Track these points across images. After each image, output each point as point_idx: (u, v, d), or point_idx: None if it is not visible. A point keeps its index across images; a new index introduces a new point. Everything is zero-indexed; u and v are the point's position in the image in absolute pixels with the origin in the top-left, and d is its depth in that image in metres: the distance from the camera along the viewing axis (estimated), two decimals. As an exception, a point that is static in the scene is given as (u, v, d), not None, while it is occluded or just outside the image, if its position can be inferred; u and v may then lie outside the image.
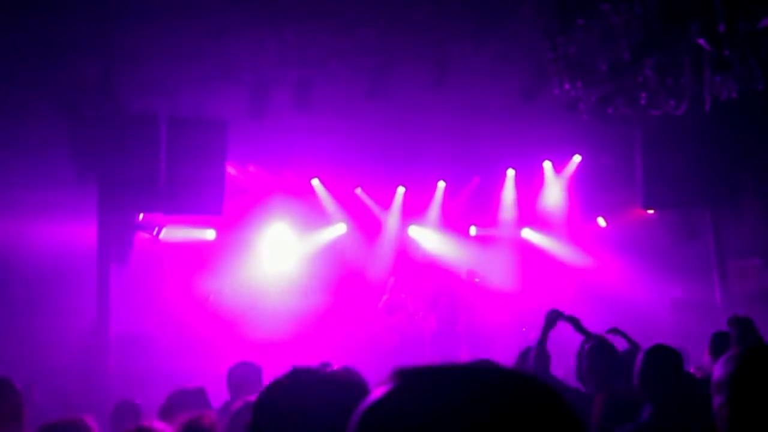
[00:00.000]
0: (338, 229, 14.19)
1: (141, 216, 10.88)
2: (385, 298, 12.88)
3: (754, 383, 2.19)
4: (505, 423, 0.83)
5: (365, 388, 1.68)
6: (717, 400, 2.30)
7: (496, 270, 13.61)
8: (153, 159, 9.66)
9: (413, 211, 14.41)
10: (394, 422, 0.86)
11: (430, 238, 14.31)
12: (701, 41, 5.11)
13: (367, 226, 14.30)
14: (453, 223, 14.32)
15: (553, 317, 5.01)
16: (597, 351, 4.54)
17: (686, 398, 3.26)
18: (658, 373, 3.35)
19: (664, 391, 3.29)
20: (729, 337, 4.73)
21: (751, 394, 2.18)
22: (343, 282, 13.55)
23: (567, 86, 6.23)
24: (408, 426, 0.84)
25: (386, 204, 14.29)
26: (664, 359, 3.43)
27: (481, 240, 14.36)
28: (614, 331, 5.36)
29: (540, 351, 4.82)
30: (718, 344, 4.95)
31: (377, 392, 0.90)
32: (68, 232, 9.31)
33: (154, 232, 11.14)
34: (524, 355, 5.29)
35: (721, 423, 2.28)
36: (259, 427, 1.58)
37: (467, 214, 14.40)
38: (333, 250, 14.01)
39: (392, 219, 14.35)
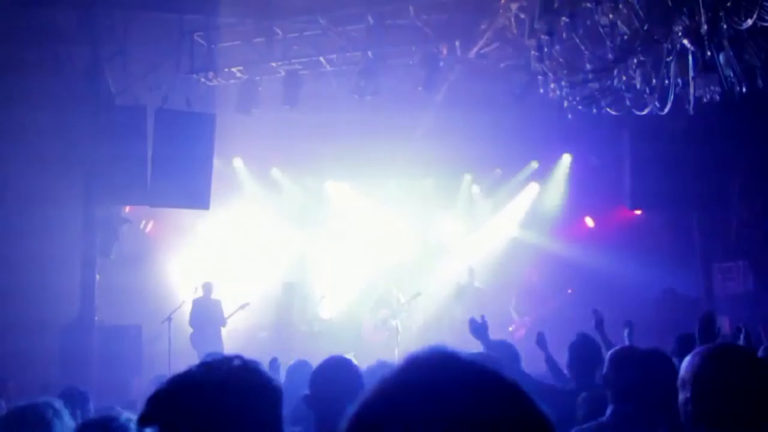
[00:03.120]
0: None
1: (127, 208, 10.88)
2: (377, 293, 12.90)
3: (717, 380, 2.22)
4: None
5: (264, 382, 1.70)
6: (681, 397, 2.33)
7: (487, 268, 13.67)
8: (140, 151, 9.63)
9: (405, 207, 14.43)
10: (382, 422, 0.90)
11: (420, 234, 14.32)
12: (686, 41, 5.14)
13: (357, 223, 14.30)
14: (443, 219, 14.35)
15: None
16: (578, 346, 4.58)
17: (652, 398, 3.29)
18: (618, 373, 3.39)
19: (623, 391, 3.32)
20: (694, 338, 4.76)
21: (714, 391, 2.21)
22: (332, 275, 13.60)
23: (553, 85, 6.25)
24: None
25: (376, 200, 14.28)
26: (625, 361, 3.47)
27: (471, 237, 14.39)
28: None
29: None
30: (684, 345, 4.98)
31: (372, 391, 0.94)
32: (54, 221, 9.29)
33: (141, 225, 11.15)
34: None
35: (685, 419, 2.31)
36: (153, 418, 1.60)
37: (457, 210, 14.45)
38: (323, 242, 14.04)
39: (383, 215, 14.36)
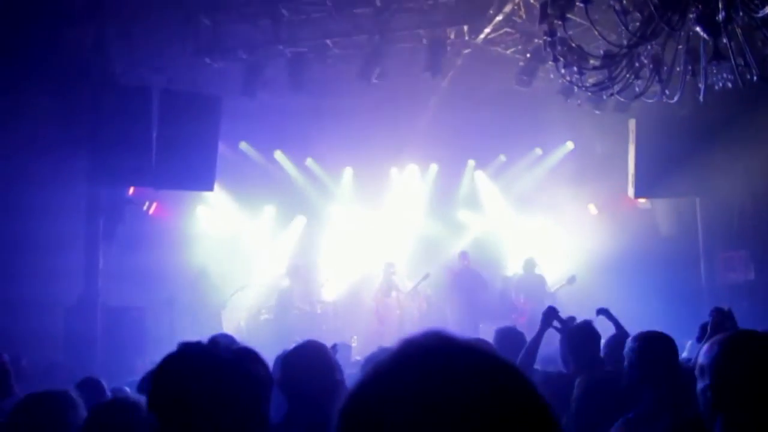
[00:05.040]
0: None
1: (131, 189, 10.86)
2: (381, 279, 12.93)
3: (737, 368, 2.21)
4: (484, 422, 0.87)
5: (260, 364, 1.72)
6: (700, 384, 2.33)
7: (488, 253, 13.69)
8: (145, 133, 9.59)
9: (406, 193, 14.43)
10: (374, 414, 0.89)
11: (422, 220, 14.32)
12: (699, 29, 5.11)
13: (360, 207, 14.28)
14: (445, 205, 14.35)
15: (551, 316, 5.00)
16: (578, 332, 4.58)
17: (682, 386, 3.27)
18: (659, 360, 3.36)
19: (665, 379, 3.29)
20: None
21: (734, 379, 2.20)
22: (334, 262, 13.62)
23: (563, 71, 6.21)
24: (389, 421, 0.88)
25: (379, 185, 14.26)
26: (664, 346, 3.45)
27: (474, 224, 14.40)
28: (604, 312, 5.38)
29: (532, 347, 4.82)
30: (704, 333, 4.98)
31: (361, 381, 0.94)
32: (58, 202, 9.27)
33: (145, 206, 11.13)
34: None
35: (704, 407, 2.31)
36: (156, 401, 1.62)
37: (460, 196, 14.46)
38: (327, 225, 14.05)
39: (385, 200, 14.35)
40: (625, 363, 3.49)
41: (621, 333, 4.97)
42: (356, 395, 0.93)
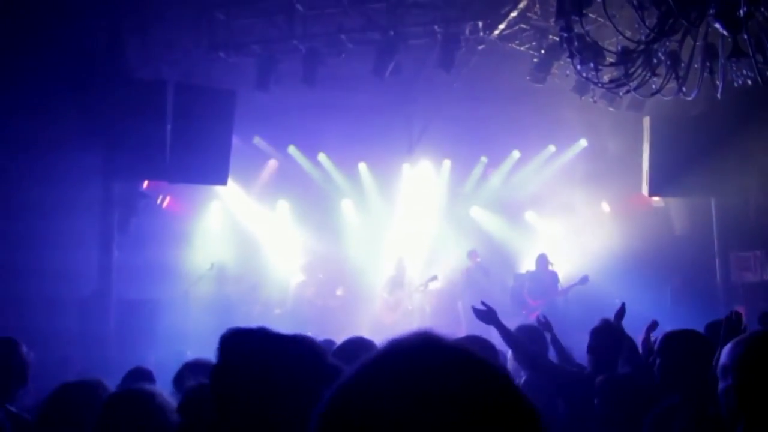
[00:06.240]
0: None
1: (145, 183, 10.90)
2: (391, 274, 12.92)
3: (762, 368, 2.18)
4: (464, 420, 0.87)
5: (318, 353, 1.69)
6: (722, 385, 2.29)
7: (497, 250, 13.63)
8: (159, 126, 9.62)
9: (418, 188, 14.40)
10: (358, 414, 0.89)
11: (434, 216, 14.29)
12: (718, 25, 5.05)
13: (372, 202, 14.28)
14: (458, 201, 14.32)
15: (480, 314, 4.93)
16: (599, 332, 4.54)
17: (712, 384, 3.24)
18: (691, 358, 3.33)
19: (696, 377, 3.26)
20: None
21: (759, 379, 2.17)
22: (347, 257, 13.62)
23: (579, 67, 6.15)
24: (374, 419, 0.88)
25: (391, 181, 14.23)
26: (695, 345, 3.42)
27: (486, 220, 14.36)
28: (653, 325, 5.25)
29: (509, 344, 4.78)
30: (712, 333, 4.94)
31: (340, 381, 0.94)
32: (73, 196, 9.31)
33: (158, 200, 11.16)
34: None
35: (727, 406, 2.27)
36: (222, 386, 1.58)
37: (472, 193, 14.41)
38: (340, 221, 14.06)
39: (397, 196, 14.33)
40: (656, 360, 3.47)
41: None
42: (336, 396, 0.93)
